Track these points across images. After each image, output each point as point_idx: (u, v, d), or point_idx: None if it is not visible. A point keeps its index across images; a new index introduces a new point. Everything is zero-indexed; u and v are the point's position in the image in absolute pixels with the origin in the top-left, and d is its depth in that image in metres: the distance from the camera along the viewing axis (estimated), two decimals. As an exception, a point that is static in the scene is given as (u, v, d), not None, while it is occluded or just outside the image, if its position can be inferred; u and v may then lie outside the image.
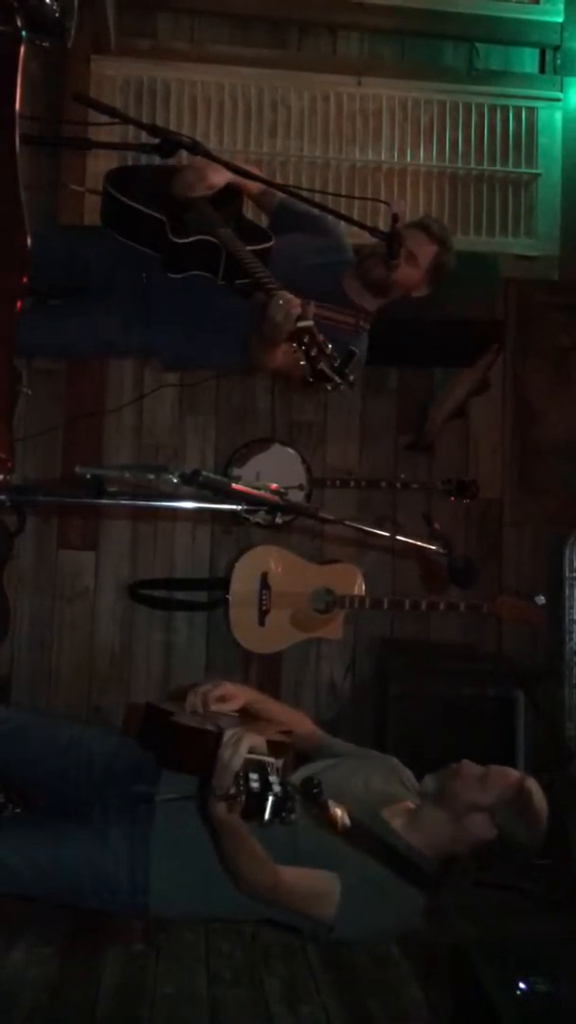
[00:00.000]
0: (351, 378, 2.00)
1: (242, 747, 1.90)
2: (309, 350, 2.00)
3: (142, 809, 2.25)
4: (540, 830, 2.23)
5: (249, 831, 1.95)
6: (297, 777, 2.07)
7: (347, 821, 1.78)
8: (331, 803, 1.76)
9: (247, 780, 1.67)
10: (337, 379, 1.99)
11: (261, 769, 1.71)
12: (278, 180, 3.65)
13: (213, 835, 2.06)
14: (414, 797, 2.32)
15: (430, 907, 2.24)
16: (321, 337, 2.02)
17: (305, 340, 2.01)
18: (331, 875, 2.09)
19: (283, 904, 2.11)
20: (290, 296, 2.20)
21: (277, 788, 1.65)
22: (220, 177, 2.48)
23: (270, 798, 1.64)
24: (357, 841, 2.09)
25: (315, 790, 1.70)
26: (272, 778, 1.68)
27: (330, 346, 2.01)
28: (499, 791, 2.20)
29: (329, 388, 2.01)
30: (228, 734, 1.97)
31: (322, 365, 1.99)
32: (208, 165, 2.44)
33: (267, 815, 1.63)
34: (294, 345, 2.04)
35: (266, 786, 1.66)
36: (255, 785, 1.66)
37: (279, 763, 1.80)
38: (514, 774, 2.26)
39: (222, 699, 2.29)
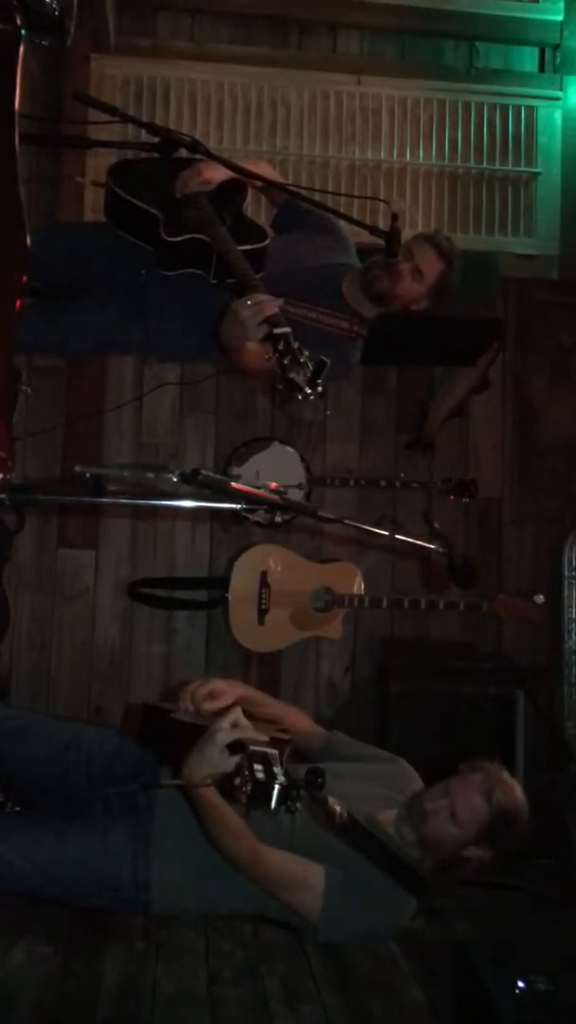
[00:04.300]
0: (320, 389, 1.98)
1: (225, 721, 1.93)
2: (283, 357, 1.99)
3: (143, 807, 2.25)
4: (523, 821, 2.22)
5: (229, 807, 1.98)
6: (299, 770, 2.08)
7: (345, 817, 1.79)
8: (331, 798, 1.77)
9: (252, 770, 1.70)
10: (307, 389, 1.97)
11: (265, 760, 1.73)
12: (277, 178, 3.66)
13: (193, 809, 2.06)
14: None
15: (423, 910, 2.24)
16: (296, 345, 1.99)
17: (280, 347, 2.00)
18: (317, 865, 2.10)
19: (265, 883, 2.11)
20: (263, 298, 2.18)
21: (282, 778, 1.67)
22: (217, 173, 2.47)
23: (276, 786, 1.66)
24: (353, 839, 2.09)
25: (319, 779, 1.71)
26: (276, 768, 1.70)
27: (306, 353, 1.99)
28: (475, 824, 2.18)
29: (299, 398, 1.98)
30: (222, 718, 1.98)
31: (293, 374, 1.97)
32: (205, 163, 2.43)
33: (274, 802, 1.65)
34: (270, 350, 2.03)
35: (271, 775, 1.68)
36: (260, 775, 1.68)
37: (283, 754, 1.82)
38: (478, 795, 2.19)
39: (210, 696, 2.26)
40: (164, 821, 2.23)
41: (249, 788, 1.69)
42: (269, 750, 1.82)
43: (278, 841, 2.11)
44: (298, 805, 1.68)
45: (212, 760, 1.90)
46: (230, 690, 2.32)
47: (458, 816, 2.17)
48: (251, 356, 2.30)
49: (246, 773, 1.70)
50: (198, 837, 2.13)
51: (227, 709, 2.06)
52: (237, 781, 1.73)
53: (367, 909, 2.14)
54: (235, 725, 1.95)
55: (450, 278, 2.65)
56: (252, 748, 1.84)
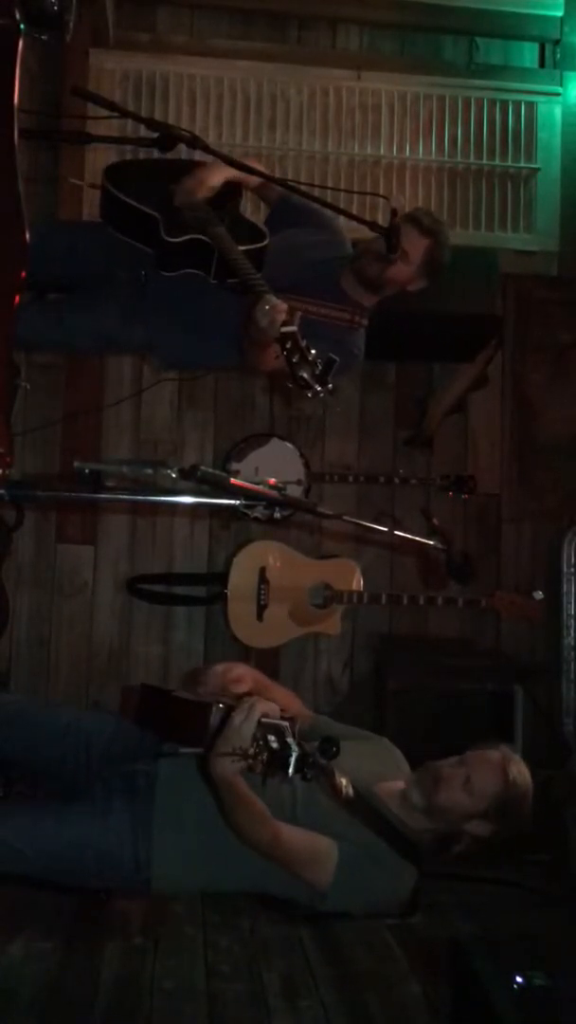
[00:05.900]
0: (330, 386, 2.00)
1: (255, 712, 1.93)
2: (291, 356, 2.00)
3: (143, 787, 2.26)
4: (529, 803, 2.23)
5: (251, 789, 1.98)
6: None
7: (350, 791, 1.81)
8: (337, 771, 1.79)
9: (266, 741, 1.73)
10: (316, 387, 1.99)
11: (277, 731, 1.76)
12: (276, 174, 3.64)
13: (215, 794, 2.07)
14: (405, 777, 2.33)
15: (422, 905, 2.25)
16: (304, 343, 2.01)
17: (288, 345, 2.01)
18: (330, 841, 2.12)
19: (281, 861, 2.12)
20: (276, 301, 2.19)
21: (296, 747, 1.71)
22: (218, 177, 2.47)
23: (293, 754, 1.70)
24: (357, 811, 2.11)
25: (334, 747, 1.73)
26: (289, 739, 1.74)
27: (313, 352, 2.01)
28: (489, 796, 2.19)
29: (309, 395, 2.00)
30: (244, 702, 1.99)
31: (303, 372, 1.99)
32: (205, 169, 2.43)
33: (291, 770, 1.69)
34: (278, 349, 2.04)
35: (286, 745, 1.71)
36: (275, 745, 1.72)
37: (294, 726, 1.84)
38: (495, 768, 2.22)
39: (235, 681, 2.30)
40: (165, 800, 2.24)
41: (265, 757, 1.72)
42: (280, 722, 1.85)
43: (282, 815, 2.12)
44: (313, 774, 1.71)
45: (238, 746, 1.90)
46: (249, 678, 2.35)
47: (473, 785, 2.19)
48: (270, 355, 2.32)
49: (260, 743, 1.74)
50: (199, 815, 2.14)
51: (245, 699, 2.05)
52: (252, 751, 1.76)
53: (374, 879, 2.15)
54: (265, 716, 1.95)
55: (439, 253, 2.64)
56: (264, 720, 1.86)
